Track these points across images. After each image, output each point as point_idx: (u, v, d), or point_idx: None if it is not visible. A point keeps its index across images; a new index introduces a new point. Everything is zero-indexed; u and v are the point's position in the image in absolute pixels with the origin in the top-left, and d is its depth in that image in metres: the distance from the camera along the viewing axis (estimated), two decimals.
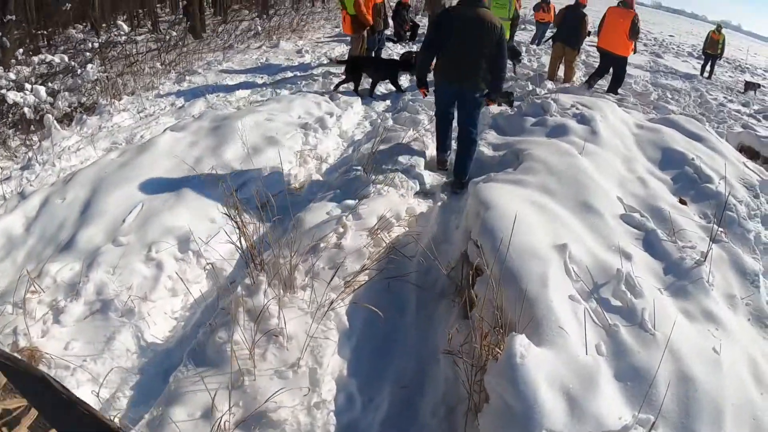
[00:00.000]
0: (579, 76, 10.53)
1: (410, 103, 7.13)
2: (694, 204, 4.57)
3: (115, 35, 10.91)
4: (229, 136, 5.30)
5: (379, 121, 6.75)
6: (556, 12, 15.47)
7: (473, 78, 4.69)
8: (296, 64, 10.51)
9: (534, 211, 3.47)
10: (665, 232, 3.70)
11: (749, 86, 14.42)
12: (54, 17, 14.01)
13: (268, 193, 3.99)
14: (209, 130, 5.52)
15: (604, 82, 9.65)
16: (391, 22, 13.20)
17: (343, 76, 8.21)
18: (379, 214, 3.79)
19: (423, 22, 15.70)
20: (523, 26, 16.85)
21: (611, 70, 9.11)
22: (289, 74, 9.55)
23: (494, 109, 6.57)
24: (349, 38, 9.93)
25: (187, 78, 9.30)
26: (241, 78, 9.46)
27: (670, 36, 31.50)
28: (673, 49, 22.89)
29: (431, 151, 5.53)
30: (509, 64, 8.98)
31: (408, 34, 13.67)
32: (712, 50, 15.86)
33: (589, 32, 9.90)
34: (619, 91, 9.31)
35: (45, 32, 12.96)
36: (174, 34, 12.34)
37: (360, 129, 6.72)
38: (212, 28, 15.50)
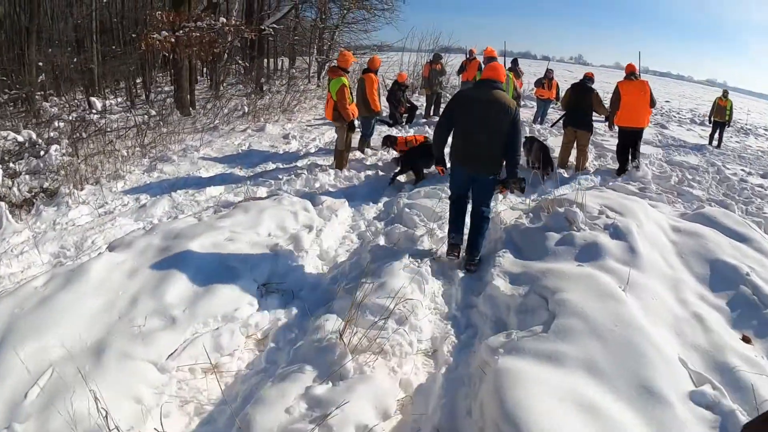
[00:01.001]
0: (591, 160, 9.67)
1: (406, 210, 6.05)
2: (759, 340, 3.78)
3: (87, 111, 10.14)
4: (178, 264, 4.26)
5: (369, 234, 5.73)
6: (559, 88, 15.02)
7: (487, 161, 4.72)
8: (281, 152, 9.64)
9: (581, 419, 2.42)
10: (743, 410, 2.81)
11: None
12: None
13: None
14: (157, 251, 4.50)
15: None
16: (386, 102, 12.51)
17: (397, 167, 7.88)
18: (359, 422, 2.69)
19: (420, 102, 15.01)
20: (523, 103, 16.22)
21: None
22: (271, 165, 8.65)
23: (507, 216, 5.74)
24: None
25: (159, 167, 8.48)
26: (218, 168, 8.63)
27: (667, 102, 31.31)
28: (675, 116, 22.55)
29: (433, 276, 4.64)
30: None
31: (405, 116, 12.76)
32: (720, 117, 15.27)
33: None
34: (638, 174, 8.75)
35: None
36: (153, 113, 11.53)
37: (345, 246, 5.59)
38: (202, 103, 14.70)
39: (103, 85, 16.98)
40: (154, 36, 11.96)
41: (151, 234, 4.89)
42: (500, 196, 6.43)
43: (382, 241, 5.11)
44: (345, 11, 20.95)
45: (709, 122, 15.96)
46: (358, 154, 9.23)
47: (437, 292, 4.46)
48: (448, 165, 5.10)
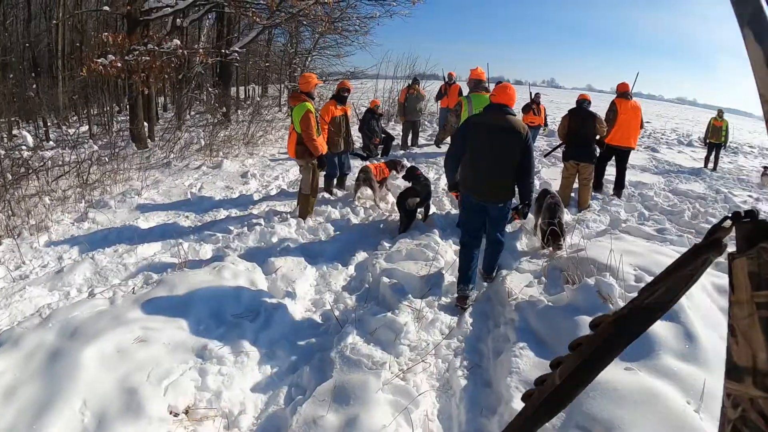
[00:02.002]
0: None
1: (383, 280, 4.67)
2: None
3: (17, 146, 8.76)
4: (65, 383, 2.95)
5: (335, 317, 4.27)
6: (546, 113, 13.98)
7: (499, 190, 4.57)
8: (236, 194, 8.30)
9: None
10: None
11: None
12: None
13: None
14: (47, 357, 3.24)
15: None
16: (358, 133, 11.29)
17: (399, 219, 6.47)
18: None
19: (396, 130, 13.77)
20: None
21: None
22: (222, 213, 7.29)
23: (515, 283, 4.67)
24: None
25: (91, 215, 7.16)
26: (160, 217, 7.30)
27: (648, 122, 30.71)
28: (661, 138, 21.72)
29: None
30: None
31: (380, 147, 11.50)
32: (716, 138, 14.42)
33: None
34: (645, 211, 8.01)
35: None
36: (94, 148, 10.15)
37: (303, 338, 4.07)
38: (162, 135, 13.27)
39: (65, 114, 15.89)
40: (99, 60, 10.62)
41: (45, 326, 3.58)
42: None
43: (351, 338, 3.71)
44: (317, 36, 19.84)
45: (704, 144, 15.06)
46: (327, 197, 8.00)
47: (431, 413, 3.13)
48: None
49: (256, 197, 8.05)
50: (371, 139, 10.96)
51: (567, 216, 7.25)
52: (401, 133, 12.89)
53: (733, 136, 27.32)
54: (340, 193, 8.21)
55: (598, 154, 7.91)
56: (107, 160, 9.89)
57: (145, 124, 12.69)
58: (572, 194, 8.15)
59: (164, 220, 7.19)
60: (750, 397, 0.82)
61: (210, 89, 18.52)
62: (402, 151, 12.31)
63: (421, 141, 13.70)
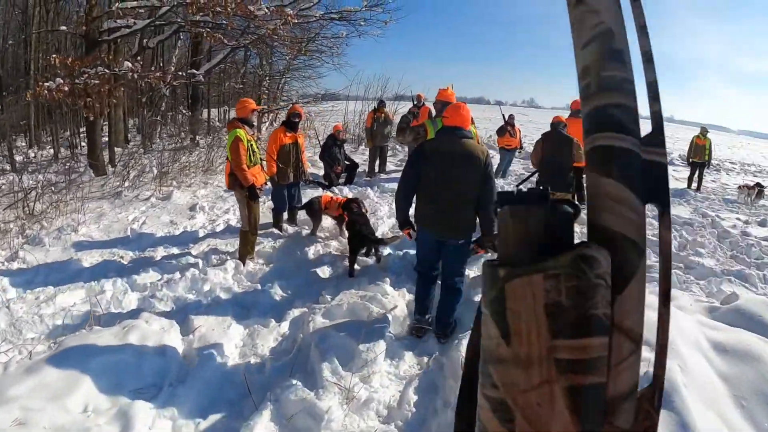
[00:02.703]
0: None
1: (314, 346, 3.86)
2: None
3: None
4: None
5: (250, 395, 3.49)
6: (522, 136, 13.42)
7: (457, 224, 4.12)
8: (180, 230, 7.58)
9: None
10: None
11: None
12: None
13: None
14: None
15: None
16: (319, 161, 10.66)
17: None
18: None
19: (364, 157, 13.06)
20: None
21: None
22: (160, 253, 6.56)
23: None
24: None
25: (22, 254, 6.43)
26: (94, 256, 6.55)
27: None
28: None
29: None
30: None
31: (342, 176, 10.66)
32: (699, 158, 13.98)
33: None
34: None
35: None
36: (39, 178, 9.45)
37: (210, 420, 3.31)
38: (126, 160, 12.45)
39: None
40: (46, 84, 9.92)
41: None
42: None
43: (261, 426, 2.97)
44: (290, 57, 19.27)
45: (688, 163, 14.65)
46: (277, 234, 7.32)
47: None
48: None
49: (200, 233, 7.33)
50: (333, 167, 10.21)
51: None
52: (368, 159, 12.14)
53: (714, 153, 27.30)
54: (291, 229, 7.48)
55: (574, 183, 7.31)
56: (56, 189, 9.24)
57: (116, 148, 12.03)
58: None
59: (98, 259, 6.47)
60: None
61: (183, 112, 17.91)
62: (368, 178, 11.60)
63: (390, 167, 12.96)
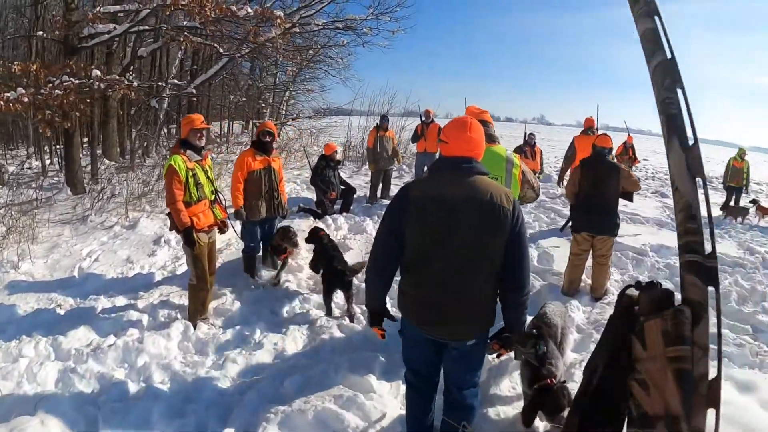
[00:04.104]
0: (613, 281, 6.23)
1: None
2: None
3: None
4: None
5: None
6: (543, 156, 12.05)
7: (465, 314, 2.55)
8: (133, 273, 6.25)
9: None
10: None
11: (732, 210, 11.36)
12: None
13: None
14: None
15: None
16: (311, 186, 9.25)
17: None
18: None
19: (364, 181, 11.73)
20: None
21: None
22: (102, 303, 5.26)
23: None
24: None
25: None
26: (29, 303, 5.40)
27: (645, 159, 29.00)
28: (666, 180, 19.06)
29: None
30: None
31: (337, 203, 9.28)
32: (736, 182, 12.48)
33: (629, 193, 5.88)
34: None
35: None
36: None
37: None
38: (108, 177, 11.28)
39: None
40: (6, 94, 8.76)
41: None
42: (493, 358, 3.28)
43: None
44: (294, 70, 18.21)
45: (724, 187, 13.06)
46: (247, 281, 5.99)
47: None
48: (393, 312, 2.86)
49: (157, 276, 6.01)
50: (326, 194, 8.79)
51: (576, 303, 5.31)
52: (370, 183, 10.64)
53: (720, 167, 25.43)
54: (266, 275, 6.07)
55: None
56: (22, 209, 8.35)
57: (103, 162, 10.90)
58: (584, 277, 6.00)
59: (32, 307, 5.30)
60: None
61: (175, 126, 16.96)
62: (369, 204, 10.15)
63: (396, 191, 11.43)
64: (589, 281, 5.81)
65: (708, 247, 1.20)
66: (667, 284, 6.05)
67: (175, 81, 12.33)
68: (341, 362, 3.84)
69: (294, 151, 15.96)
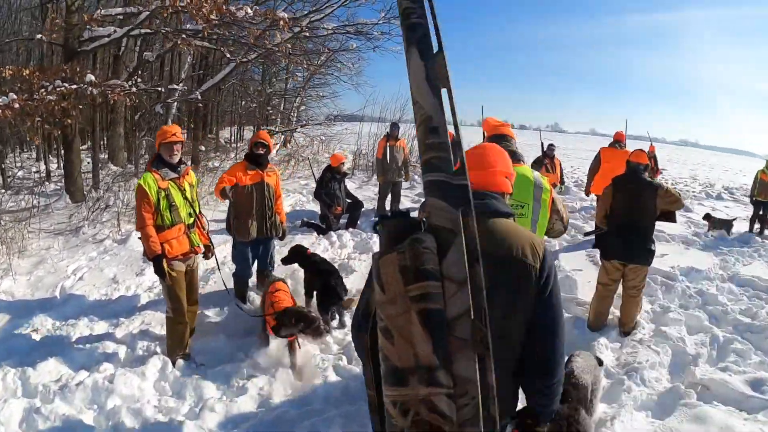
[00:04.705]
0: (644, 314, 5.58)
1: None
2: None
3: None
4: None
5: None
6: (563, 169, 11.39)
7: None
8: (117, 294, 5.74)
9: None
10: None
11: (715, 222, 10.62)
12: None
13: None
14: None
15: None
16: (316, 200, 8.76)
17: None
18: None
19: (373, 192, 11.15)
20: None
21: None
22: (81, 329, 4.81)
23: None
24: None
25: None
26: (3, 327, 4.98)
27: (663, 169, 28.21)
28: (687, 192, 17.87)
29: None
30: None
31: (343, 217, 8.74)
32: (764, 196, 11.35)
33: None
34: (716, 330, 5.29)
35: None
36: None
37: None
38: (108, 185, 10.85)
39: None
40: None
41: None
42: None
43: None
44: (305, 76, 17.83)
45: (751, 201, 12.00)
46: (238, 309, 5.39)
47: None
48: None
49: (142, 299, 5.52)
50: (331, 208, 8.24)
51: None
52: (378, 195, 10.03)
53: (746, 178, 24.48)
54: (258, 299, 5.45)
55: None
56: (16, 218, 7.96)
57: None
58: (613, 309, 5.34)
59: (6, 332, 4.86)
60: (420, 398, 0.89)
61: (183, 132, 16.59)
62: (377, 219, 9.55)
63: (406, 203, 10.79)
64: (617, 312, 5.20)
65: (454, 165, 0.91)
66: (699, 313, 5.60)
67: (175, 86, 11.83)
68: (334, 417, 3.32)
69: (303, 159, 15.51)
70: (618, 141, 8.82)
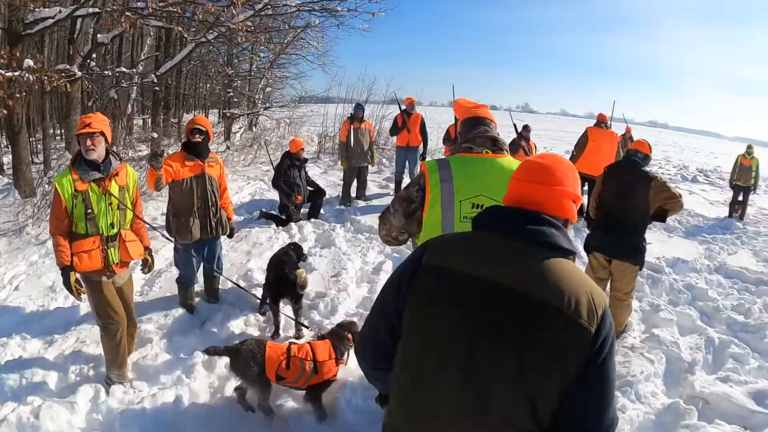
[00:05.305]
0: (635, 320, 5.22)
1: None
2: None
3: None
4: None
5: None
6: (539, 152, 10.89)
7: None
8: (55, 305, 5.06)
9: None
10: None
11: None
12: None
13: None
14: None
15: None
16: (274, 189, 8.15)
17: None
18: None
19: (339, 177, 10.50)
20: None
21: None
22: (12, 348, 4.14)
23: None
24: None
25: None
26: None
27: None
28: (662, 174, 17.68)
29: None
30: None
31: (304, 206, 8.12)
32: (744, 180, 11.48)
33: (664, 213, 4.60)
34: (710, 330, 5.04)
35: None
36: None
37: None
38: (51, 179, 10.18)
39: None
40: None
41: None
42: None
43: None
44: (274, 56, 17.06)
45: (731, 186, 12.04)
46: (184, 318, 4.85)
47: None
48: None
49: (82, 310, 4.85)
50: (291, 197, 7.62)
51: None
52: (342, 181, 9.47)
53: (717, 160, 24.61)
54: (206, 309, 4.94)
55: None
56: None
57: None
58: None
59: None
60: None
61: (136, 117, 15.85)
62: (342, 206, 9.02)
63: (373, 189, 10.28)
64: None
65: None
66: (690, 311, 5.25)
67: (124, 69, 11.07)
68: None
69: (269, 144, 14.84)
70: (602, 121, 9.00)
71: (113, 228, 3.65)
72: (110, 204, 3.59)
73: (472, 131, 2.47)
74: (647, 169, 4.60)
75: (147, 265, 4.05)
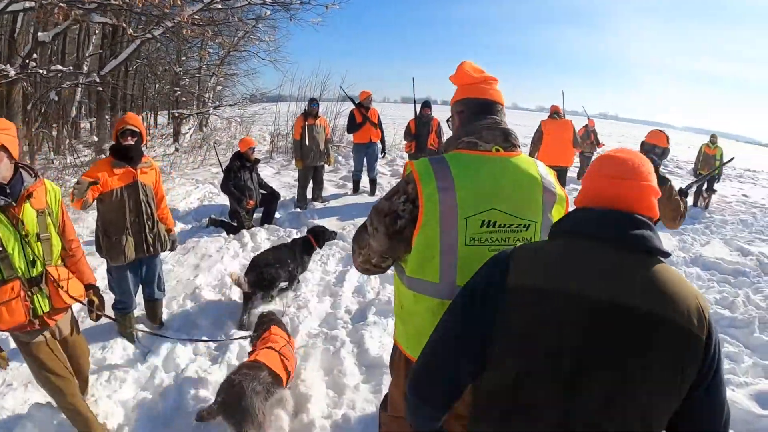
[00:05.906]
0: None
1: None
2: None
3: None
4: None
5: None
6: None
7: None
8: None
9: None
10: None
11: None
12: None
13: None
14: None
15: None
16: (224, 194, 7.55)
17: None
18: None
19: (293, 178, 9.98)
20: None
21: None
22: None
23: None
24: None
25: None
26: None
27: (603, 144, 28.33)
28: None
29: None
30: None
31: (257, 211, 7.57)
32: (708, 170, 11.44)
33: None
34: None
35: None
36: None
37: None
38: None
39: None
40: None
41: None
42: None
43: None
44: (225, 52, 16.45)
45: (695, 175, 12.24)
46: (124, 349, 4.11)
47: None
48: None
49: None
50: (242, 202, 6.98)
51: None
52: (297, 182, 8.88)
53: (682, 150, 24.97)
54: (141, 336, 4.23)
55: None
56: None
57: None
58: None
59: None
60: None
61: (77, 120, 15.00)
62: (299, 209, 8.38)
63: (330, 189, 9.73)
64: None
65: None
66: None
67: (59, 67, 10.27)
68: None
69: (218, 144, 14.18)
70: (555, 112, 9.16)
71: (35, 267, 2.67)
72: (26, 236, 2.60)
73: (477, 120, 1.87)
74: (662, 172, 3.99)
75: (95, 308, 3.08)
